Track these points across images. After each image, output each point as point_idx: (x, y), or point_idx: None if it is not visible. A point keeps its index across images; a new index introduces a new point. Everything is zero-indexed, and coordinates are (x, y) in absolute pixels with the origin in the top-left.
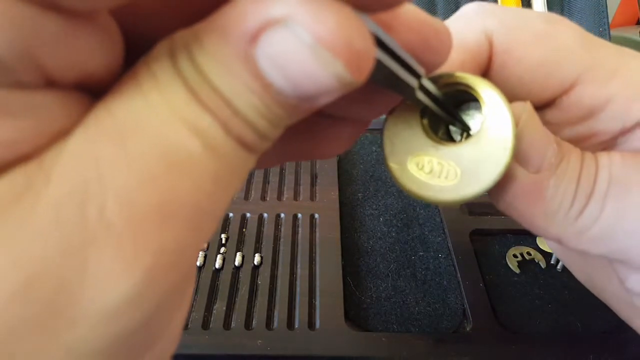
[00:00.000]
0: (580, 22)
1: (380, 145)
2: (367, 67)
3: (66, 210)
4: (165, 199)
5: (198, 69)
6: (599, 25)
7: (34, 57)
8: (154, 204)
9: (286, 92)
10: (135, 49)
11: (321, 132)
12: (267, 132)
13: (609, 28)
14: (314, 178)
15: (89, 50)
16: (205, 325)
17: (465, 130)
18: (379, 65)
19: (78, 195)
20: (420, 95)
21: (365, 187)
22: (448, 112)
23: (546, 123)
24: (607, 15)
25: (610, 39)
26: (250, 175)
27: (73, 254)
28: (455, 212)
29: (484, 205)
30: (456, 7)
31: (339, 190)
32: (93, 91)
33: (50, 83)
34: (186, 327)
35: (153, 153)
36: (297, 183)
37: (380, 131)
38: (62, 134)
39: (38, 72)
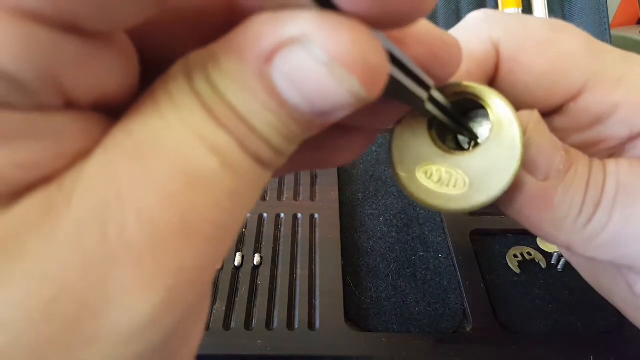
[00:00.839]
0: (581, 22)
1: (388, 154)
2: (381, 83)
3: (87, 229)
4: (185, 216)
5: (214, 88)
6: (599, 25)
7: (54, 79)
8: (174, 222)
9: (302, 108)
10: (151, 69)
11: (332, 143)
12: (283, 148)
13: (609, 28)
14: (314, 178)
15: (107, 71)
16: (206, 325)
17: (473, 139)
18: (391, 79)
19: (99, 215)
20: (429, 107)
21: (365, 187)
22: (456, 122)
23: (554, 130)
24: (608, 15)
25: (610, 38)
26: None
27: (94, 273)
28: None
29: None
30: (456, 7)
31: (339, 190)
32: (110, 112)
33: (69, 104)
34: None
35: (172, 171)
36: (297, 183)
37: (390, 135)
38: (81, 155)
39: (58, 94)
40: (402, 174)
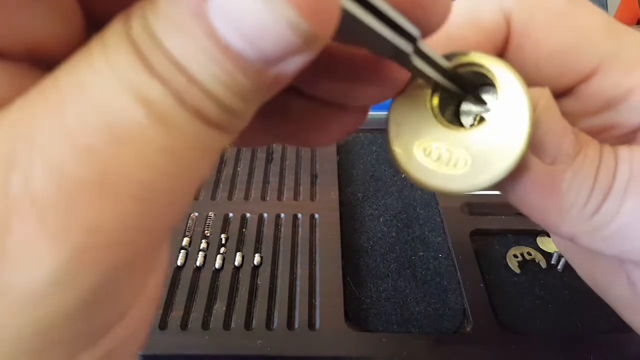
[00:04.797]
0: None
1: (386, 128)
2: (329, 13)
3: None
4: (105, 172)
5: (150, 33)
6: None
7: None
8: (90, 177)
9: (246, 54)
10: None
11: (317, 119)
12: (235, 107)
13: None
14: (314, 178)
15: (37, 20)
16: (205, 325)
17: (480, 104)
18: (357, 22)
19: (3, 164)
20: (419, 63)
21: (365, 187)
22: (458, 84)
23: (563, 112)
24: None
25: None
26: (250, 175)
27: None
28: (455, 212)
29: (484, 205)
30: None
31: (339, 190)
32: (50, 66)
33: None
34: (186, 327)
35: (93, 122)
36: (297, 183)
37: (388, 107)
38: (3, 105)
39: None
40: (398, 150)
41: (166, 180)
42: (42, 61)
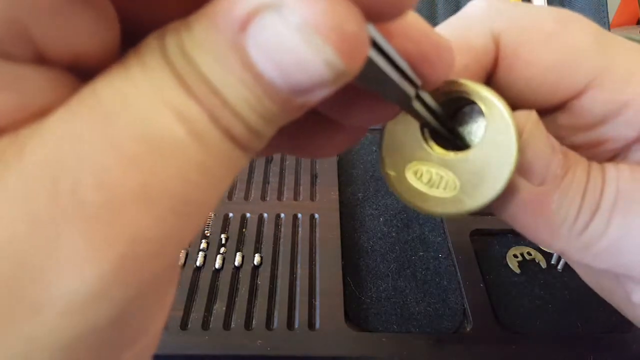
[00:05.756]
0: None
1: (378, 151)
2: (360, 54)
3: (37, 184)
4: (147, 183)
5: (187, 57)
6: (599, 25)
7: (23, 28)
8: (133, 187)
9: (277, 83)
10: (135, 36)
11: (318, 133)
12: (260, 129)
13: (609, 28)
14: (314, 178)
15: (83, 29)
16: (205, 325)
17: (463, 146)
18: (375, 67)
19: (51, 171)
20: (417, 106)
21: (365, 187)
22: (446, 128)
23: (556, 128)
24: (608, 15)
25: None
26: (250, 175)
27: (40, 232)
28: None
29: None
30: (456, 7)
31: (339, 190)
32: (88, 75)
33: (40, 59)
34: (186, 327)
35: (136, 134)
36: (297, 183)
37: (380, 131)
38: (45, 112)
39: (27, 46)
40: (391, 173)
41: (199, 194)
42: (81, 71)
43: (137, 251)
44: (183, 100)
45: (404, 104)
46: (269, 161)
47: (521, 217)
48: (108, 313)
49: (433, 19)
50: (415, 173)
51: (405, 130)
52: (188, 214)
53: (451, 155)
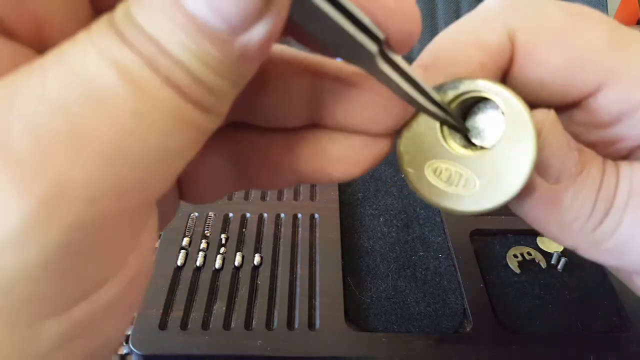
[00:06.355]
0: None
1: (396, 149)
2: None
3: None
4: (75, 126)
5: (128, 14)
6: None
7: None
8: (61, 130)
9: (210, 20)
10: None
11: (328, 149)
12: (209, 81)
13: None
14: None
15: (45, 5)
16: (205, 325)
17: (462, 132)
18: (321, 14)
19: None
20: (385, 68)
21: (365, 187)
22: (432, 100)
23: (572, 125)
24: (607, 15)
25: None
26: None
27: None
28: None
29: None
30: (456, 7)
31: (339, 190)
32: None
33: (4, 31)
34: (186, 327)
35: (67, 82)
36: None
37: (397, 133)
38: None
39: None
40: (410, 170)
41: (133, 140)
42: (46, 48)
43: (64, 192)
44: (118, 50)
45: (368, 66)
46: None
47: (535, 213)
48: (37, 255)
49: (433, 19)
50: (435, 171)
51: (424, 128)
52: (124, 160)
53: (470, 153)
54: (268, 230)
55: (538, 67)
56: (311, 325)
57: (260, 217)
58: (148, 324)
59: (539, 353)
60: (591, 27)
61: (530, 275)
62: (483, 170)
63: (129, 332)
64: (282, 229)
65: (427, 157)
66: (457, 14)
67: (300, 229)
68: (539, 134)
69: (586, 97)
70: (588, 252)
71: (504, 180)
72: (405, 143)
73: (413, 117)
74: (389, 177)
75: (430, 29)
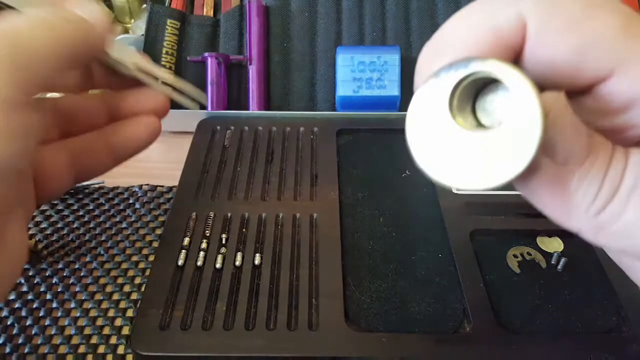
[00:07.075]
0: None
1: (405, 127)
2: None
3: None
4: None
5: None
6: None
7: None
8: None
9: None
10: None
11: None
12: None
13: None
14: (314, 178)
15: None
16: (205, 325)
17: (486, 122)
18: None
19: None
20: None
21: (365, 187)
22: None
23: (582, 111)
24: None
25: None
26: (250, 175)
27: None
28: (455, 212)
29: (484, 205)
30: (456, 7)
31: (339, 190)
32: None
33: None
34: (186, 327)
35: None
36: (297, 183)
37: (407, 107)
38: None
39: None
40: (415, 146)
41: None
42: None
43: None
44: None
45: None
46: (268, 161)
47: (540, 194)
48: None
49: (433, 19)
50: (441, 146)
51: (432, 105)
52: None
53: (478, 131)
54: (268, 230)
55: (550, 52)
56: (311, 325)
57: (260, 217)
58: (148, 324)
59: (539, 353)
60: (606, 14)
61: (530, 275)
62: (489, 149)
63: (129, 332)
64: (282, 229)
65: (434, 132)
66: None
67: (300, 229)
68: (547, 114)
69: (597, 82)
70: (592, 235)
71: (509, 160)
72: (411, 118)
73: (421, 89)
74: (389, 177)
75: (430, 28)
